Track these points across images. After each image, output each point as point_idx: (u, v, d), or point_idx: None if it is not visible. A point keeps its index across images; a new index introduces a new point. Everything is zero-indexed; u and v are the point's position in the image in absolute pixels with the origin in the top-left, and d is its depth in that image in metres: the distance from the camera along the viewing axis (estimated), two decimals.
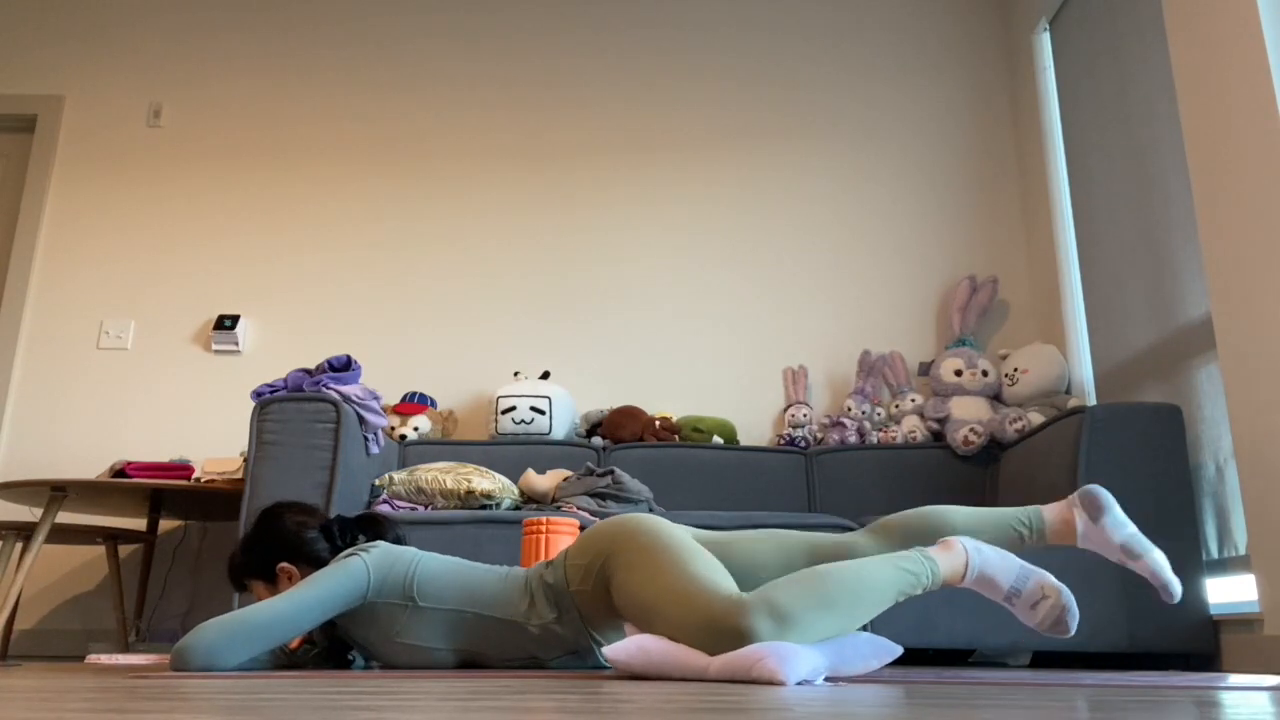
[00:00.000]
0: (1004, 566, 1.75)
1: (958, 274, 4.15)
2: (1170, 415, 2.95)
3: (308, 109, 4.42)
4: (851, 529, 2.91)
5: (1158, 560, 1.88)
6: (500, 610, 1.89)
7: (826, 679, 1.61)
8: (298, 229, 4.27)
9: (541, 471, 3.40)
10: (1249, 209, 2.60)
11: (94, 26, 4.54)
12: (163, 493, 3.23)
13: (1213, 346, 2.91)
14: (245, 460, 3.07)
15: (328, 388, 2.98)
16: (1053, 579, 1.75)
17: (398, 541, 2.12)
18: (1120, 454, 2.91)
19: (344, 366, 3.05)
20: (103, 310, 4.17)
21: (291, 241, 4.25)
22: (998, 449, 3.60)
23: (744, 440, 3.93)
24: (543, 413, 3.70)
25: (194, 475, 3.36)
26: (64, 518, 3.75)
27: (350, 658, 2.07)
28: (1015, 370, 3.71)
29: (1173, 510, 2.86)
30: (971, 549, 1.76)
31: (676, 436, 3.78)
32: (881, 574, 1.70)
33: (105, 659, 2.53)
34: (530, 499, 3.24)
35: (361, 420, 3.04)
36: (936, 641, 2.76)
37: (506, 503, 3.17)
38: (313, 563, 2.06)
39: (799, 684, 1.47)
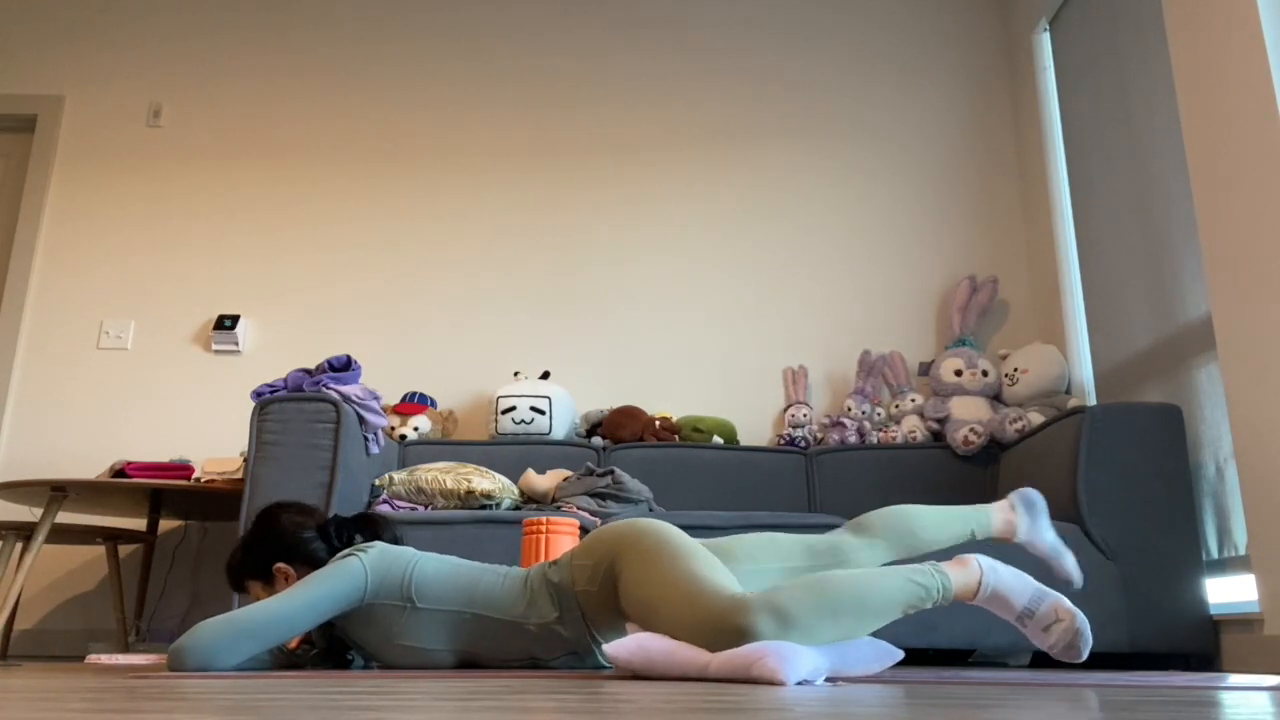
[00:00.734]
0: (1018, 586, 1.75)
1: (958, 274, 4.15)
2: (1170, 415, 2.95)
3: (308, 109, 4.42)
4: None
5: (1072, 559, 2.15)
6: (499, 610, 1.89)
7: (826, 680, 1.61)
8: (297, 229, 4.27)
9: (541, 471, 3.40)
10: (1249, 209, 2.60)
11: (94, 27, 4.54)
12: (163, 493, 3.23)
13: (1213, 346, 2.91)
14: (245, 460, 3.07)
15: (328, 388, 2.98)
16: (1068, 602, 1.74)
17: (395, 541, 2.12)
18: (1120, 454, 2.91)
19: (344, 366, 3.05)
20: (103, 310, 4.17)
21: (291, 241, 4.25)
22: (998, 449, 3.60)
23: (744, 440, 3.93)
24: (543, 413, 3.70)
25: (194, 475, 3.36)
26: (64, 518, 3.75)
27: (349, 658, 2.06)
28: (1015, 370, 3.71)
29: (1173, 510, 2.86)
30: (987, 567, 1.75)
31: (676, 436, 3.78)
32: (890, 585, 1.69)
33: (105, 659, 2.53)
34: (530, 499, 3.24)
35: (361, 420, 3.04)
36: (936, 642, 2.76)
37: (506, 503, 3.17)
38: (309, 563, 2.05)
39: (799, 684, 1.47)
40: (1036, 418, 3.54)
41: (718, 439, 3.78)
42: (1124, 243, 3.46)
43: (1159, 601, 2.78)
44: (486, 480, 3.13)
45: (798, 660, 1.49)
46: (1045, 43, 4.11)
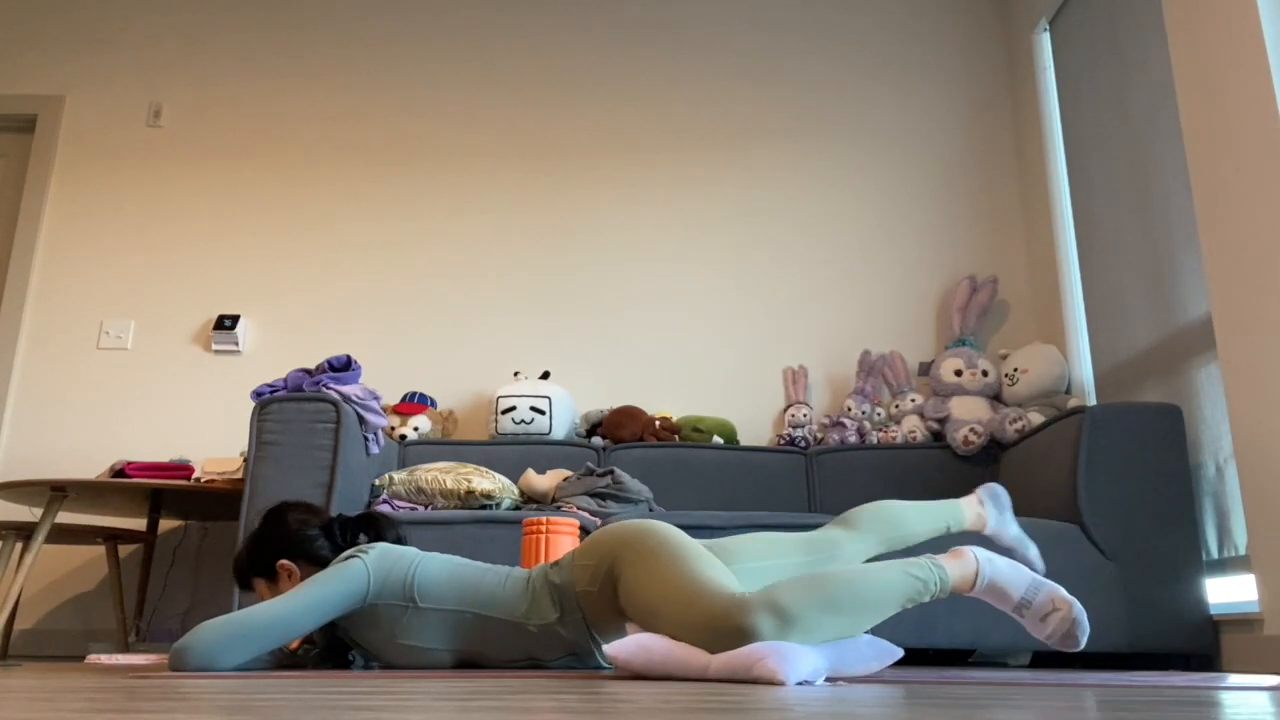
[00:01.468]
0: (1015, 577, 1.75)
1: (958, 274, 4.15)
2: (1170, 415, 2.95)
3: (308, 109, 4.42)
4: None
5: (1035, 550, 2.25)
6: (500, 610, 1.90)
7: (826, 680, 1.61)
8: (298, 229, 4.27)
9: (541, 471, 3.40)
10: (1249, 209, 2.60)
11: (94, 27, 4.54)
12: (163, 493, 3.23)
13: (1213, 346, 2.91)
14: (245, 460, 3.07)
15: (328, 388, 2.98)
16: (1064, 592, 1.74)
17: (398, 541, 2.12)
18: (1120, 454, 2.91)
19: (344, 366, 3.06)
20: (103, 310, 4.17)
21: (291, 241, 4.25)
22: (998, 449, 3.60)
23: (744, 440, 3.93)
24: (543, 413, 3.70)
25: (194, 475, 3.36)
26: (64, 518, 3.75)
27: (350, 658, 2.07)
28: (1015, 370, 3.71)
29: (1173, 510, 2.86)
30: (983, 559, 1.75)
31: (676, 436, 3.78)
32: (888, 579, 1.69)
33: (105, 659, 2.53)
34: (530, 499, 3.24)
35: (361, 420, 3.04)
36: (936, 642, 2.76)
37: (506, 503, 3.17)
38: (314, 561, 2.06)
39: (799, 684, 1.47)
40: (1036, 418, 3.54)
41: (718, 439, 3.78)
42: (1124, 242, 3.46)
43: (1159, 601, 2.78)
44: (486, 480, 3.13)
45: (798, 660, 1.49)
46: (1045, 43, 4.11)
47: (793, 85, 4.42)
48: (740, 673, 1.51)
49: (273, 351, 4.12)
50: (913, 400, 3.85)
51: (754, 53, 4.47)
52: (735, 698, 1.13)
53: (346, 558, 1.92)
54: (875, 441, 3.78)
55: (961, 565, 1.75)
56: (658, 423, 3.78)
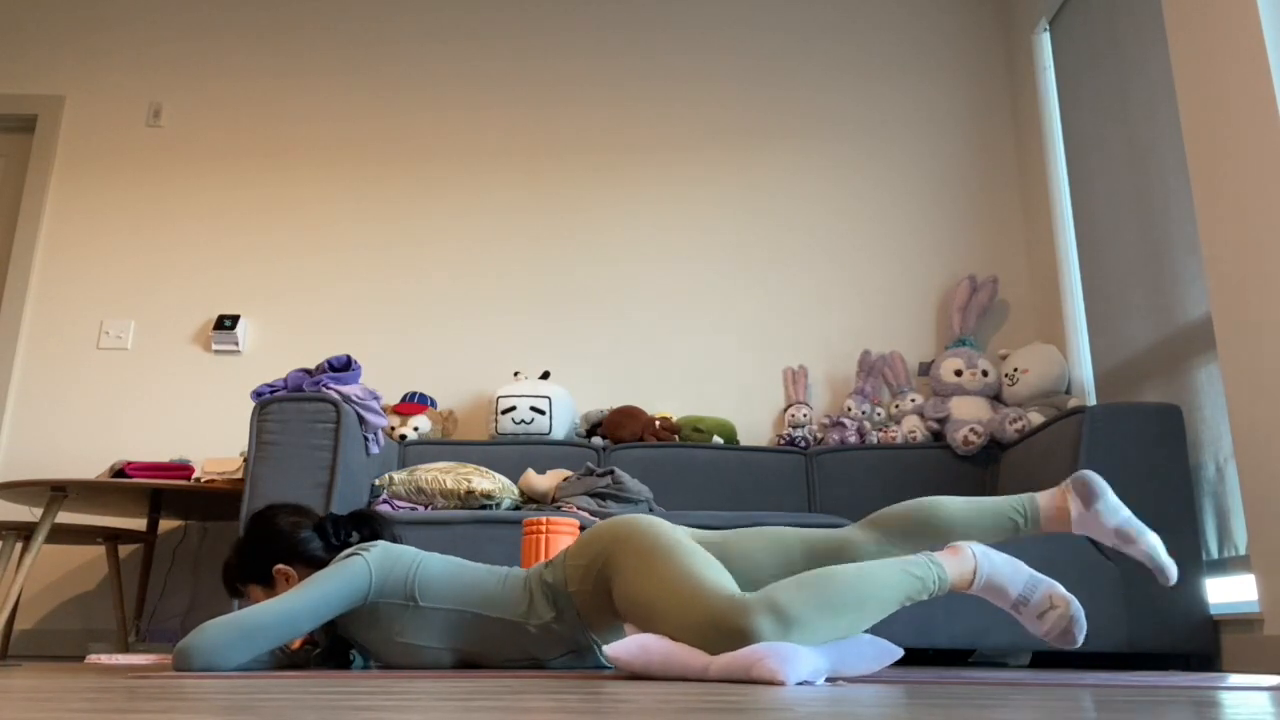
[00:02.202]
0: (1013, 574, 1.75)
1: (958, 274, 4.15)
2: (1170, 415, 2.95)
3: (307, 109, 4.42)
4: None
5: (1152, 543, 1.88)
6: (500, 610, 1.90)
7: (826, 680, 1.61)
8: (297, 229, 4.27)
9: (541, 471, 3.40)
10: (1249, 209, 2.60)
11: (94, 27, 4.54)
12: (163, 493, 3.23)
13: (1213, 346, 2.91)
14: (245, 460, 3.07)
15: (328, 388, 2.98)
16: (1062, 589, 1.74)
17: (393, 539, 2.12)
18: (1120, 454, 2.91)
19: (344, 366, 3.06)
20: (103, 310, 4.17)
21: (291, 241, 4.25)
22: (998, 449, 3.60)
23: (744, 440, 3.93)
24: (543, 413, 3.70)
25: (194, 475, 3.36)
26: (64, 518, 3.75)
27: (350, 658, 2.07)
28: (1015, 370, 3.71)
29: (1173, 510, 2.86)
30: (980, 555, 1.75)
31: (676, 436, 3.78)
32: (886, 578, 1.69)
33: (105, 659, 2.53)
34: (530, 499, 3.24)
35: (361, 420, 3.04)
36: (937, 642, 2.76)
37: (506, 503, 3.17)
38: (310, 563, 2.05)
39: (799, 684, 1.47)
40: (1036, 418, 3.54)
41: (718, 439, 3.78)
42: (1124, 242, 3.46)
43: (1159, 601, 2.78)
44: (486, 480, 3.13)
45: (798, 661, 1.49)
46: (1045, 42, 4.11)
47: (793, 85, 4.42)
48: (740, 673, 1.51)
49: (273, 351, 4.12)
50: (913, 400, 3.85)
51: (753, 53, 4.47)
52: (735, 698, 1.13)
53: (348, 556, 1.92)
54: (875, 441, 3.78)
55: (959, 562, 1.75)
56: (658, 423, 3.79)
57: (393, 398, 3.95)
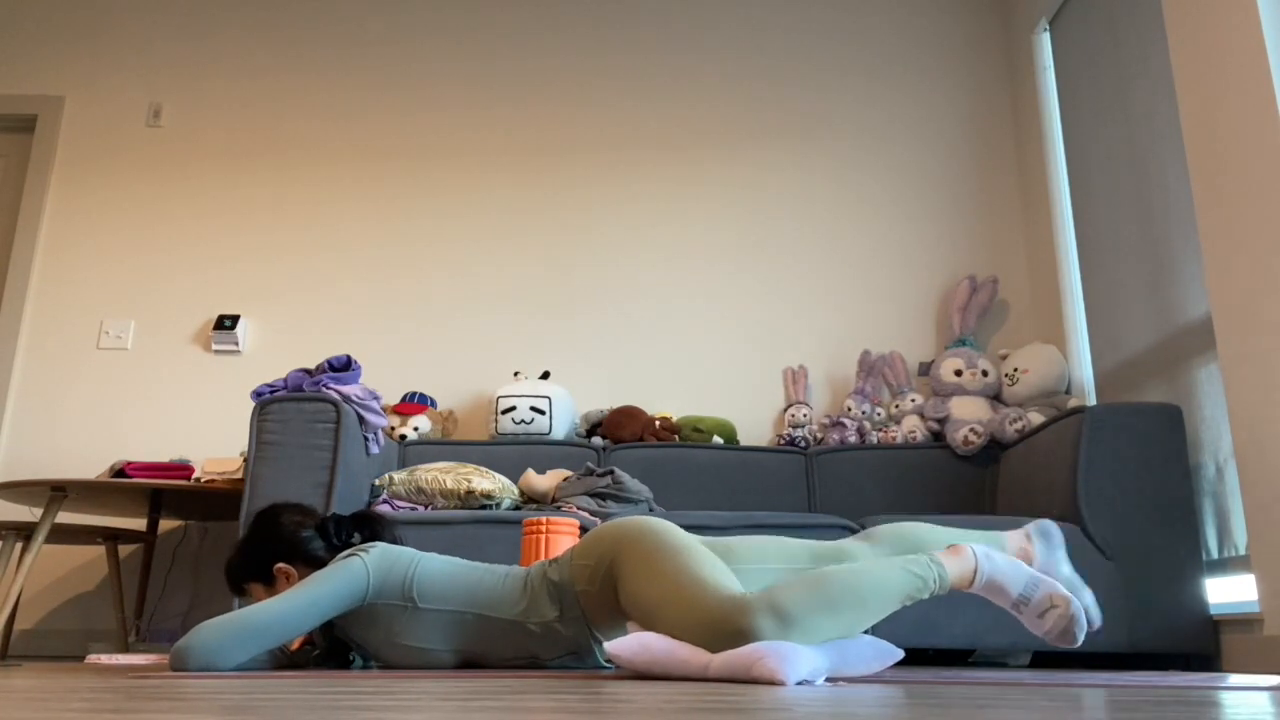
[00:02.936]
0: (1013, 574, 1.76)
1: (958, 274, 4.15)
2: (1170, 415, 2.95)
3: (308, 109, 4.43)
4: (852, 529, 2.91)
5: (1091, 597, 1.99)
6: (500, 610, 1.90)
7: (826, 680, 1.62)
8: (297, 229, 4.27)
9: (541, 471, 3.40)
10: (1249, 209, 2.60)
11: (94, 27, 4.54)
12: (163, 493, 3.23)
13: (1212, 346, 2.91)
14: (245, 460, 3.07)
15: (328, 388, 2.98)
16: (1062, 589, 1.75)
17: (394, 540, 2.12)
18: (1120, 454, 2.91)
19: (344, 366, 3.06)
20: (103, 310, 4.17)
21: (291, 241, 4.26)
22: (998, 449, 3.61)
23: (744, 440, 3.93)
24: (543, 413, 3.70)
25: (194, 475, 3.36)
26: (64, 518, 3.75)
27: (350, 658, 2.07)
28: (1015, 370, 3.71)
29: (1173, 510, 2.86)
30: (981, 555, 1.76)
31: (676, 436, 3.78)
32: (888, 577, 1.70)
33: (105, 659, 2.53)
34: (530, 499, 3.24)
35: (361, 420, 3.04)
36: (937, 642, 2.76)
37: (506, 503, 3.17)
38: (310, 562, 2.06)
39: (799, 684, 1.47)
40: (1036, 418, 3.54)
41: (717, 439, 3.78)
42: (1124, 243, 3.47)
43: (1159, 601, 2.78)
44: (486, 480, 3.13)
45: (797, 660, 1.49)
46: (1045, 43, 4.11)
47: (792, 85, 4.42)
48: (740, 672, 1.51)
49: (272, 352, 4.12)
50: (913, 400, 3.85)
51: (752, 52, 4.47)
52: (735, 698, 1.13)
53: (346, 557, 1.92)
54: (875, 441, 3.78)
55: (960, 562, 1.75)
56: (658, 423, 3.79)
57: (393, 398, 3.95)
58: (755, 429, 4.00)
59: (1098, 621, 1.94)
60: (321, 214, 4.29)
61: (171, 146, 4.38)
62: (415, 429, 3.72)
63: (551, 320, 4.16)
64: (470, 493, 3.08)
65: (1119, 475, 2.89)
